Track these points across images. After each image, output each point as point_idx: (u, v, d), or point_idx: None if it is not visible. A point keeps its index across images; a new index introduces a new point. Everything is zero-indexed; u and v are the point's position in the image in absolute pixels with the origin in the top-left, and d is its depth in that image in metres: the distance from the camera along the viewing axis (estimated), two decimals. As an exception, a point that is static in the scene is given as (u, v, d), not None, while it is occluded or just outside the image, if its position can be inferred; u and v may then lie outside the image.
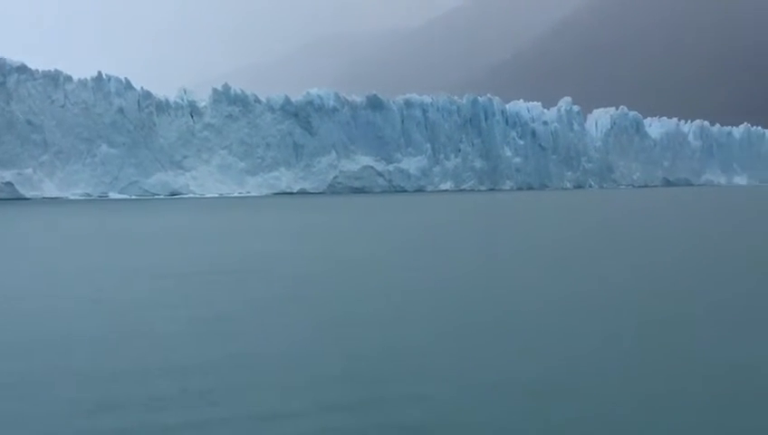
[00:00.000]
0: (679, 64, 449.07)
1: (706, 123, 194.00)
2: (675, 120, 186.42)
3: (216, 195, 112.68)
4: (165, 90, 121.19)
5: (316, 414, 8.12)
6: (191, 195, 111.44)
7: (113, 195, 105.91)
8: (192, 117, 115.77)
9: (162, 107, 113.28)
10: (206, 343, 11.73)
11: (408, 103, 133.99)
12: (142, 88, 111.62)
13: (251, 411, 8.18)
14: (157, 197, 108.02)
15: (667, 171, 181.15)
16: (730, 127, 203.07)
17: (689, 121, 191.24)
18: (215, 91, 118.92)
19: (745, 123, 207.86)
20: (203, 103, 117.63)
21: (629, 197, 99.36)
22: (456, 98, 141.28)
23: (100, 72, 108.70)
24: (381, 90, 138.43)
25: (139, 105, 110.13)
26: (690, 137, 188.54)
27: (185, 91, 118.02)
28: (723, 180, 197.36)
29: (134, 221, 52.28)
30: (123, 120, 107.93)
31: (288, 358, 10.49)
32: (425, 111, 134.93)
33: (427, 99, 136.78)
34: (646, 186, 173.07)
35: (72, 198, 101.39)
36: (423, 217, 51.55)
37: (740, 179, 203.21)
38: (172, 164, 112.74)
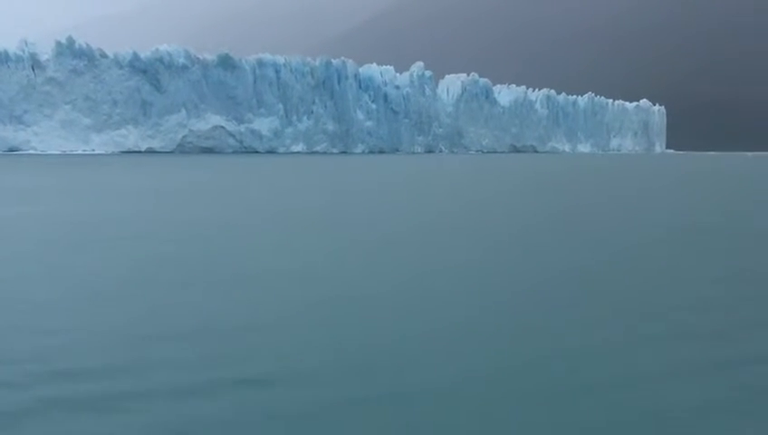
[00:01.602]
0: (530, 34, 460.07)
1: (553, 92, 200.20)
2: (523, 87, 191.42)
3: (59, 152, 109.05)
4: (4, 40, 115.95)
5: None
6: (32, 151, 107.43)
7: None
8: (33, 70, 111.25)
9: (1, 59, 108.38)
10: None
11: (261, 63, 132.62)
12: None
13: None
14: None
15: (515, 138, 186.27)
16: (575, 96, 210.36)
17: (537, 90, 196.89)
18: (58, 44, 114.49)
19: (590, 93, 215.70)
20: (45, 56, 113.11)
21: (487, 161, 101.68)
22: (309, 59, 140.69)
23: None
24: (234, 49, 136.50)
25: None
26: (537, 105, 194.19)
27: (26, 43, 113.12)
28: (567, 148, 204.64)
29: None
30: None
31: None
32: (277, 72, 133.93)
33: (280, 59, 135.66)
34: (494, 151, 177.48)
35: None
36: (274, 181, 51.34)
37: (583, 147, 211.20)
38: (11, 119, 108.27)
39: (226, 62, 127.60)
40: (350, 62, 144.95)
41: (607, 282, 13.30)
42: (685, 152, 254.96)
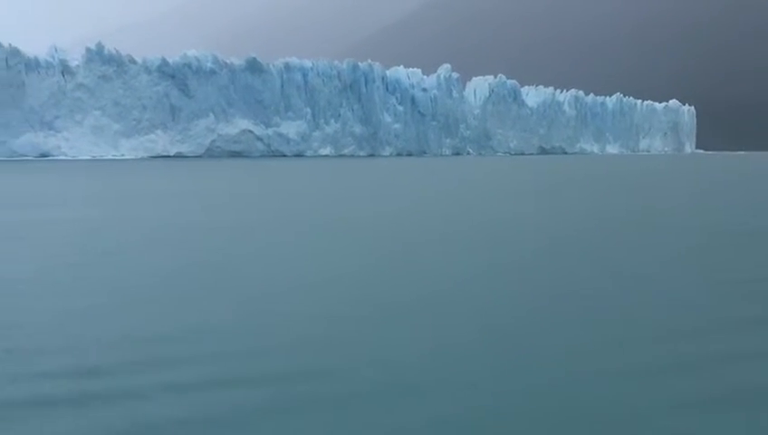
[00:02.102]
0: (557, 35, 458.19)
1: (581, 93, 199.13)
2: (551, 89, 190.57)
3: (89, 157, 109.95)
4: (35, 47, 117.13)
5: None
6: (63, 157, 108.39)
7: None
8: (64, 76, 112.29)
9: (32, 65, 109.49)
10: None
11: (288, 67, 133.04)
12: (10, 45, 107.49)
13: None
14: (25, 158, 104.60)
15: (543, 139, 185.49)
16: (604, 97, 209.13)
17: (565, 91, 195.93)
18: (88, 50, 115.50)
19: (618, 94, 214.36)
20: (75, 62, 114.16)
21: (519, 164, 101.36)
22: (336, 63, 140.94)
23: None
24: (262, 53, 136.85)
25: (6, 63, 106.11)
26: (565, 106, 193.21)
27: (56, 50, 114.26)
28: (596, 149, 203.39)
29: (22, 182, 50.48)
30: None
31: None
32: (305, 76, 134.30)
33: (307, 63, 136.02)
34: (522, 153, 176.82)
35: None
36: (319, 182, 51.44)
37: (612, 148, 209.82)
38: (42, 125, 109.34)
39: (254, 67, 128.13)
40: (376, 65, 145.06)
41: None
42: (715, 152, 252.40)
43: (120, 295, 12.26)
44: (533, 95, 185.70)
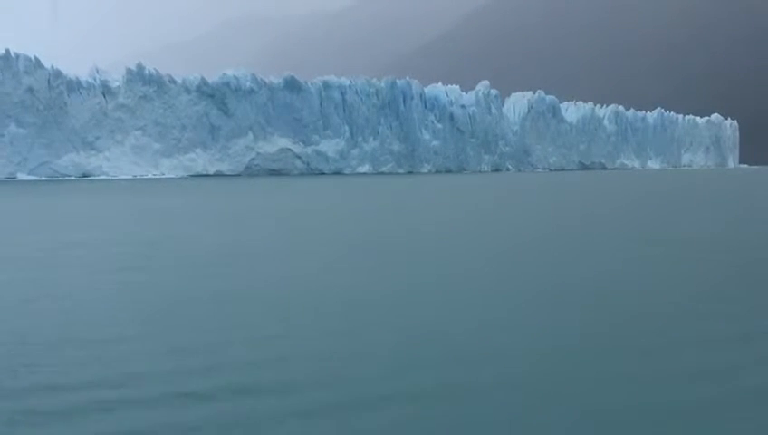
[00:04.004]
0: (597, 50, 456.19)
1: (621, 108, 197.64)
2: (590, 104, 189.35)
3: (130, 176, 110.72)
4: (76, 69, 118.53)
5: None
6: (104, 176, 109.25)
7: (22, 176, 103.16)
8: (105, 97, 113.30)
9: (73, 86, 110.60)
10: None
11: (327, 85, 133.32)
12: (53, 66, 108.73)
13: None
14: (68, 178, 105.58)
15: (583, 155, 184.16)
16: (644, 112, 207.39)
17: (605, 106, 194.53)
18: (128, 70, 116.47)
19: (659, 109, 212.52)
20: (116, 83, 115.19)
21: (562, 180, 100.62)
22: (374, 80, 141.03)
23: (8, 50, 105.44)
24: (300, 72, 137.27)
25: (49, 84, 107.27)
26: (605, 121, 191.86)
27: (97, 71, 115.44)
28: (637, 164, 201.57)
29: (72, 202, 50.79)
30: (33, 99, 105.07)
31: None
32: (343, 94, 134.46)
33: (345, 81, 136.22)
34: (562, 169, 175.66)
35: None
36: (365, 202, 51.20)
37: (653, 163, 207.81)
38: (84, 145, 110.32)
39: (292, 85, 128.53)
40: (415, 83, 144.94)
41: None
42: (759, 167, 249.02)
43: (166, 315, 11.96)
44: (573, 111, 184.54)
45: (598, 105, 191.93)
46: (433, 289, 14.49)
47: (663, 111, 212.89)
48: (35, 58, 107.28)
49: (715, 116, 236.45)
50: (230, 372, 8.90)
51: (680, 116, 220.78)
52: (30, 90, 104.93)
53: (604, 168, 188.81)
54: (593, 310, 12.27)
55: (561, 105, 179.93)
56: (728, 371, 8.83)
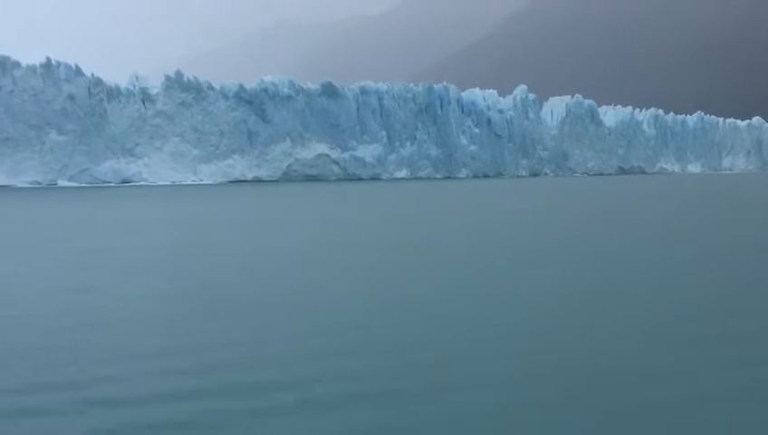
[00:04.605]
0: (635, 53, 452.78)
1: (661, 112, 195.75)
2: (629, 108, 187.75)
3: (169, 183, 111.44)
4: (116, 76, 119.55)
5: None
6: (143, 183, 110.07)
7: (63, 183, 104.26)
8: (144, 104, 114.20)
9: (113, 94, 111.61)
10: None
11: (364, 91, 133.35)
12: (93, 74, 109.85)
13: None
14: (108, 184, 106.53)
15: (622, 159, 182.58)
16: (684, 115, 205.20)
17: (644, 110, 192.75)
18: (167, 77, 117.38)
19: (699, 112, 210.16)
20: (155, 90, 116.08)
21: (607, 184, 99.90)
22: (411, 85, 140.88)
23: (48, 58, 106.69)
24: (337, 77, 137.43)
25: (89, 92, 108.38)
26: (644, 125, 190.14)
27: (136, 78, 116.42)
28: (677, 168, 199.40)
29: (109, 208, 51.24)
30: (73, 106, 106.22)
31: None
32: (380, 99, 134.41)
33: (382, 86, 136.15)
34: (601, 174, 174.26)
35: (21, 185, 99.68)
36: (405, 206, 51.09)
37: (693, 167, 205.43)
38: (124, 151, 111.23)
39: (330, 91, 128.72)
40: (452, 88, 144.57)
41: None
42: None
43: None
44: (612, 115, 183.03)
45: (636, 109, 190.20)
46: (469, 289, 14.31)
47: (703, 114, 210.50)
48: (76, 66, 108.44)
49: (757, 119, 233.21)
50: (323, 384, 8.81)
51: (721, 119, 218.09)
52: (70, 97, 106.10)
53: (643, 172, 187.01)
54: (650, 308, 12.03)
55: (599, 109, 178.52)
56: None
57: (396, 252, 21.38)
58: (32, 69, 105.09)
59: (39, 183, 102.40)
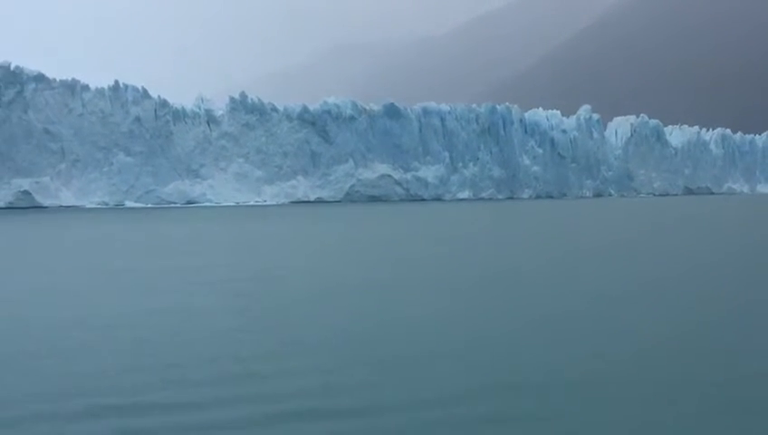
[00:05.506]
0: (700, 72, 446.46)
1: (728, 131, 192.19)
2: (696, 128, 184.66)
3: (233, 203, 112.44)
4: (182, 98, 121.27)
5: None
6: (207, 203, 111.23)
7: (129, 203, 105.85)
8: (209, 125, 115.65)
9: (179, 115, 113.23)
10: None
11: (426, 111, 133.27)
12: (159, 97, 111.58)
13: None
14: (173, 205, 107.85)
15: (688, 180, 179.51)
16: (753, 135, 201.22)
17: (710, 129, 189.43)
18: (232, 99, 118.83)
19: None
20: (220, 112, 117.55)
21: (675, 206, 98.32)
22: (474, 106, 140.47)
23: (117, 81, 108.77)
24: (400, 98, 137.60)
25: (155, 114, 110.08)
26: (711, 145, 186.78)
27: (202, 100, 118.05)
28: (746, 189, 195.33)
29: (175, 229, 51.85)
30: (140, 128, 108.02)
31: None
32: (443, 120, 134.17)
33: (444, 107, 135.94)
34: (666, 194, 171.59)
35: (89, 206, 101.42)
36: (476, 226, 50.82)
37: (763, 187, 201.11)
38: (189, 172, 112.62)
39: (392, 112, 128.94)
40: (515, 108, 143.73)
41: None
42: None
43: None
44: (677, 135, 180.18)
45: (703, 129, 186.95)
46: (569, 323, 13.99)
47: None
48: (143, 88, 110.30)
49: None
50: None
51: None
52: (137, 119, 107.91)
53: (711, 192, 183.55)
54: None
55: (665, 129, 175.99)
56: None
57: (476, 281, 21.11)
58: (100, 92, 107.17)
59: (106, 204, 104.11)
